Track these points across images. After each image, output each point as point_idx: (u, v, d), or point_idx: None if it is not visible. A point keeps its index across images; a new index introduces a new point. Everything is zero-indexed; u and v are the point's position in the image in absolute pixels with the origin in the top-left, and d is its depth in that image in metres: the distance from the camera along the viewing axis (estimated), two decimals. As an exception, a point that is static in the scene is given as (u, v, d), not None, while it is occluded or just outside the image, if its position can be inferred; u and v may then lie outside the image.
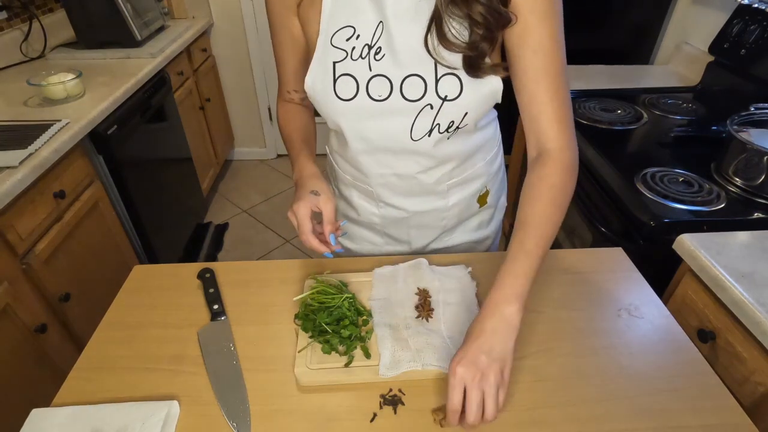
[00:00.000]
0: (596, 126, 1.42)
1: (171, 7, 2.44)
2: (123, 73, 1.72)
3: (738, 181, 1.11)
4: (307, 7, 0.70)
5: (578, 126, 1.41)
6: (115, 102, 1.55)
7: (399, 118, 0.71)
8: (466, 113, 0.70)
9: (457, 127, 0.72)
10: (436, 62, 0.66)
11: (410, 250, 0.93)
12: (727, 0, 1.60)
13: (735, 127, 1.11)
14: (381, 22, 0.66)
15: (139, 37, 1.93)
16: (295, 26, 0.74)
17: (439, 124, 0.71)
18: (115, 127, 1.53)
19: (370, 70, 0.68)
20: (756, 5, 1.46)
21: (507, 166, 1.03)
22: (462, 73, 0.66)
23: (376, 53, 0.67)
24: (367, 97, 0.69)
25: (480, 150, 0.83)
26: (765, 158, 1.04)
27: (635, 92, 1.64)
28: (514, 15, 0.62)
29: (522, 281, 0.59)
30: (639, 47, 1.99)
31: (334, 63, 0.69)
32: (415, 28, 0.65)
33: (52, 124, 1.32)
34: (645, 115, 1.47)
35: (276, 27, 0.76)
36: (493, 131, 0.86)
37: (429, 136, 0.72)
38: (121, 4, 1.84)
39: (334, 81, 0.69)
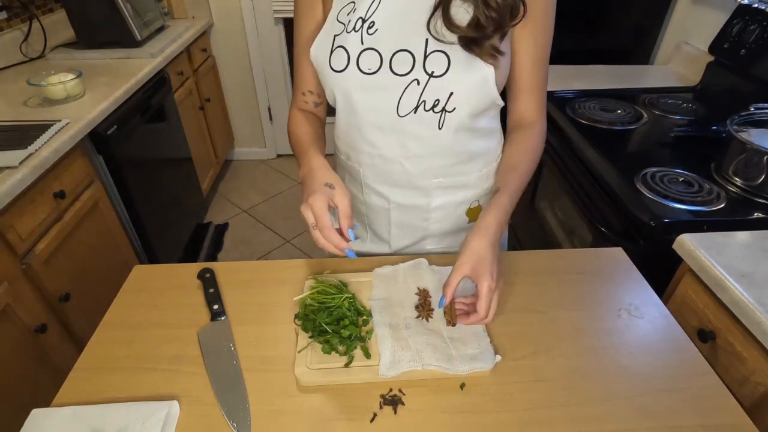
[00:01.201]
0: (596, 126, 1.41)
1: (171, 7, 2.44)
2: (123, 73, 1.72)
3: (738, 181, 1.11)
4: None
5: (578, 126, 1.42)
6: (115, 102, 1.55)
7: (387, 92, 0.72)
8: (452, 93, 0.70)
9: (444, 109, 0.72)
10: (428, 39, 0.68)
11: (390, 251, 0.92)
12: (727, 0, 1.60)
13: (735, 127, 1.11)
14: None
15: (139, 37, 1.93)
16: (320, 12, 0.76)
17: (425, 101, 0.72)
18: (115, 127, 1.53)
19: (362, 43, 0.70)
20: (756, 5, 1.46)
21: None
22: (452, 51, 0.68)
23: (369, 27, 0.69)
24: (357, 69, 0.71)
25: (476, 159, 0.82)
26: (765, 158, 1.04)
27: (635, 92, 1.64)
28: (525, 7, 0.67)
29: (510, 210, 0.73)
30: (639, 47, 2.00)
31: (335, 36, 0.72)
32: (413, 4, 0.68)
33: (52, 124, 1.32)
34: (645, 115, 1.47)
35: (302, 13, 0.77)
36: (494, 145, 0.85)
37: (415, 113, 0.73)
38: (121, 4, 1.84)
39: (331, 53, 0.72)
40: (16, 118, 1.40)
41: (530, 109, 0.79)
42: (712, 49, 1.59)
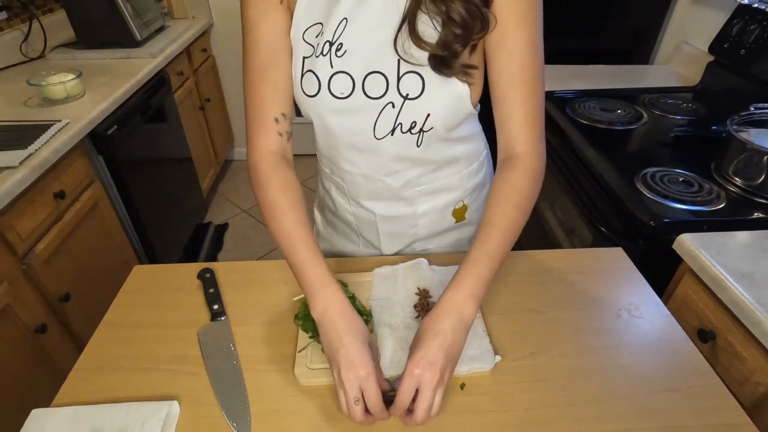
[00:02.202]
0: (596, 126, 1.41)
1: (171, 7, 2.44)
2: (123, 73, 1.72)
3: (738, 180, 1.11)
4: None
5: (578, 126, 1.42)
6: (115, 102, 1.55)
7: (362, 116, 0.70)
8: (428, 114, 0.68)
9: (422, 130, 0.70)
10: (400, 60, 0.65)
11: (381, 255, 0.92)
12: (727, 0, 1.60)
13: (735, 127, 1.11)
14: (345, 18, 0.65)
15: (139, 37, 1.93)
16: (285, 19, 0.68)
17: (401, 123, 0.69)
18: (115, 127, 1.53)
19: (332, 67, 0.67)
20: (756, 5, 1.45)
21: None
22: (425, 72, 0.65)
23: (338, 50, 0.66)
24: (329, 94, 0.68)
25: (455, 162, 0.80)
26: (765, 158, 1.05)
27: (635, 92, 1.64)
28: (494, 18, 0.62)
29: (482, 283, 0.60)
30: (639, 47, 1.99)
31: (304, 58, 0.69)
32: (381, 25, 0.65)
33: (52, 125, 1.32)
34: (645, 115, 1.47)
35: (259, 16, 0.67)
36: (474, 147, 0.83)
37: (392, 135, 0.71)
38: (121, 4, 1.84)
39: (302, 76, 0.69)
40: (16, 118, 1.39)
41: (513, 137, 0.67)
42: (712, 49, 1.59)
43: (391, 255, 0.91)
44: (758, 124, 1.14)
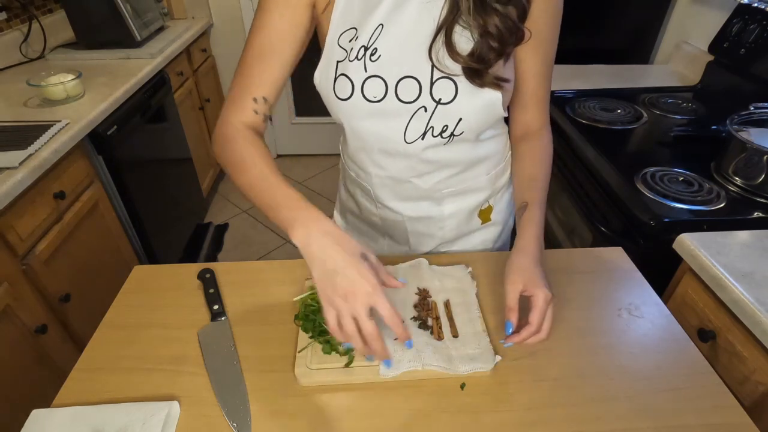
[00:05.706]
0: (596, 126, 1.41)
1: (170, 8, 2.44)
2: (123, 74, 1.72)
3: (738, 180, 1.11)
4: (327, 5, 0.70)
5: (578, 126, 1.42)
6: (115, 102, 1.55)
7: (393, 120, 0.71)
8: (460, 119, 0.69)
9: (453, 134, 0.71)
10: (434, 66, 0.66)
11: (410, 253, 0.93)
12: (727, 0, 1.60)
13: (735, 126, 1.11)
14: (381, 24, 0.66)
15: (139, 38, 1.93)
16: (304, 15, 0.69)
17: (432, 127, 0.71)
18: (115, 127, 1.53)
19: (366, 71, 0.68)
20: (756, 4, 1.45)
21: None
22: (458, 78, 0.66)
23: (372, 54, 0.67)
24: (362, 97, 0.69)
25: (482, 162, 0.82)
26: (765, 157, 1.04)
27: (635, 92, 1.64)
28: (528, 31, 0.65)
29: (541, 228, 0.72)
30: (639, 47, 1.99)
31: (338, 62, 0.70)
32: (416, 32, 0.65)
33: (51, 125, 1.32)
34: (645, 115, 1.47)
35: (275, 6, 0.68)
36: (501, 146, 0.84)
37: (422, 139, 0.72)
38: (121, 5, 1.84)
39: (335, 80, 0.70)
40: (16, 118, 1.39)
41: (536, 118, 0.79)
42: (712, 48, 1.59)
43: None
44: (758, 123, 1.14)
